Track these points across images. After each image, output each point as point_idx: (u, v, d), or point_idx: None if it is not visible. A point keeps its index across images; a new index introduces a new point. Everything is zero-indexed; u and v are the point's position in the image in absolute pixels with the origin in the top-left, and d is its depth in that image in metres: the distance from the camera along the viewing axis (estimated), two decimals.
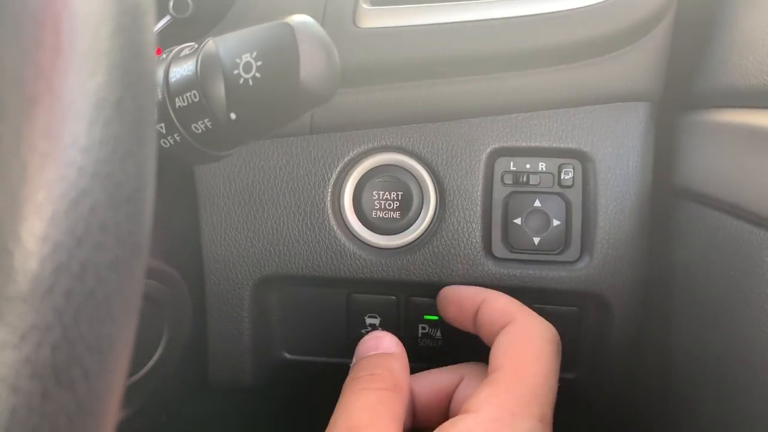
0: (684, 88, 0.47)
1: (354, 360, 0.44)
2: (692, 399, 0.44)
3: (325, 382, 0.55)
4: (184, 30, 0.47)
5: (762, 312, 0.37)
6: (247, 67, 0.28)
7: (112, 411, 0.16)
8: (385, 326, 0.51)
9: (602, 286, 0.47)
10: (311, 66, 0.27)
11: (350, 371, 0.42)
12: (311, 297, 0.52)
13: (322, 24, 0.46)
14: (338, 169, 0.49)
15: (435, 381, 0.43)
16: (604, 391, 0.52)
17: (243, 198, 0.49)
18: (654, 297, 0.49)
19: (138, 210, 0.16)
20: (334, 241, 0.49)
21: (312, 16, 0.44)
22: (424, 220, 0.48)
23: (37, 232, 0.13)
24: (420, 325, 0.51)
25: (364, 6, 0.46)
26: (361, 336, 0.51)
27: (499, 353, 0.39)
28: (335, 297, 0.51)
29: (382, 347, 0.43)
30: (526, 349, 0.39)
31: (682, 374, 0.46)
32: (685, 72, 0.47)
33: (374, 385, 0.39)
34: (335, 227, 0.49)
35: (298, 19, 0.28)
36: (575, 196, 0.48)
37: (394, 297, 0.50)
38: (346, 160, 0.49)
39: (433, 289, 0.49)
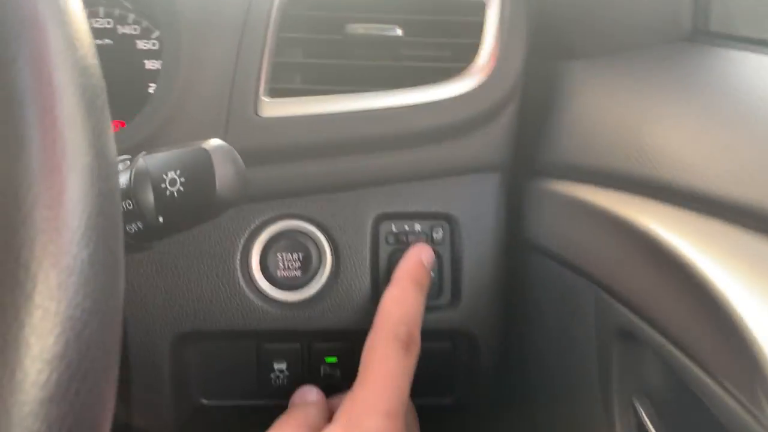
0: (528, 161, 0.59)
1: None
2: (541, 409, 0.55)
3: (239, 422, 0.61)
4: None
5: (581, 342, 0.48)
6: (173, 182, 0.35)
7: None
8: (291, 370, 0.58)
9: (470, 325, 0.57)
10: (224, 182, 0.35)
11: None
12: (225, 348, 0.59)
13: (228, 115, 0.54)
14: (246, 235, 0.56)
15: (331, 406, 0.51)
16: (478, 410, 0.62)
17: (161, 265, 0.56)
18: (513, 331, 0.59)
19: (106, 356, 0.23)
20: (244, 300, 0.56)
21: (218, 108, 0.53)
22: (322, 276, 0.57)
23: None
24: (322, 367, 0.59)
25: (264, 98, 0.54)
26: (270, 379, 0.59)
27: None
28: (247, 347, 0.59)
29: (305, 399, 0.52)
30: (372, 355, 0.46)
31: (535, 392, 0.56)
32: (528, 148, 0.59)
33: (289, 422, 0.47)
34: (245, 287, 0.56)
35: (214, 143, 0.36)
36: (445, 252, 0.58)
37: (298, 344, 0.58)
38: (252, 227, 0.56)
39: (331, 335, 0.57)
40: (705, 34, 0.55)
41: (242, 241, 0.56)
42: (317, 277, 0.57)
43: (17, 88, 0.20)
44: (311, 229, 0.57)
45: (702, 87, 0.46)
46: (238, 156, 0.37)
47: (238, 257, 0.56)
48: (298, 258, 0.57)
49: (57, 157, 0.20)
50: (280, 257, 0.57)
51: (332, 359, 0.59)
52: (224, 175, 0.35)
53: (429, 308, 0.57)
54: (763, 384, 0.27)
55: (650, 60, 0.54)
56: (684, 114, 0.44)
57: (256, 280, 0.57)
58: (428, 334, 0.57)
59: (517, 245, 0.58)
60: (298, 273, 0.57)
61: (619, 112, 0.50)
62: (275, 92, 0.55)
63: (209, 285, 0.56)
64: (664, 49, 0.55)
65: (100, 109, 0.23)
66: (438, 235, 0.57)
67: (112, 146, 0.23)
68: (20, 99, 0.20)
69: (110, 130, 0.24)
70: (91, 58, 0.23)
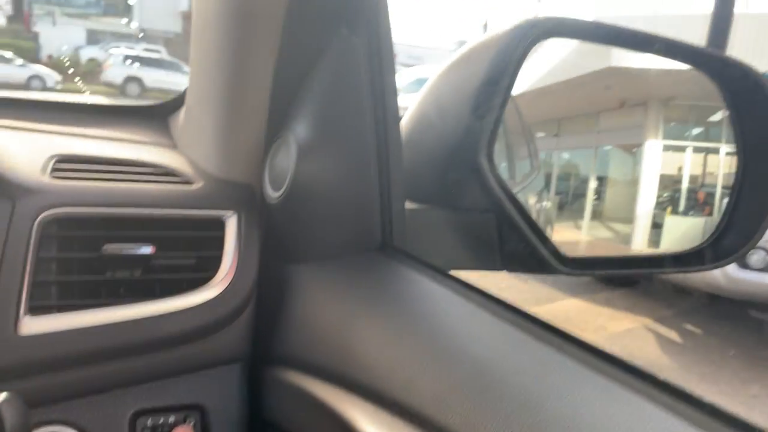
0: (265, 352, 0.71)
1: None
2: None
3: None
4: None
5: None
6: None
7: None
8: None
9: None
10: (13, 427, 0.41)
11: None
12: None
13: None
14: None
15: None
16: None
17: None
18: None
19: None
20: None
21: None
22: None
23: None
24: None
25: (24, 317, 0.59)
26: None
27: None
28: None
29: None
30: None
31: None
32: (265, 340, 0.71)
33: None
34: None
35: (2, 397, 0.42)
36: None
37: None
38: None
39: None
40: (390, 248, 0.75)
41: None
42: None
43: None
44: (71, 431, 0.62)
45: (387, 303, 0.63)
46: (24, 404, 0.43)
47: None
48: None
49: None
50: None
51: None
52: (12, 424, 0.41)
53: None
54: None
55: (352, 267, 0.71)
56: (374, 327, 0.60)
57: None
58: None
59: (258, 424, 0.69)
60: None
61: (330, 315, 0.65)
62: (35, 310, 0.61)
63: None
64: (362, 258, 0.73)
65: None
66: (190, 423, 0.66)
67: None
68: None
69: None
70: None
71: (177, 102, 0.97)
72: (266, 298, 0.73)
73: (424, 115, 0.85)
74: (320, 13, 0.70)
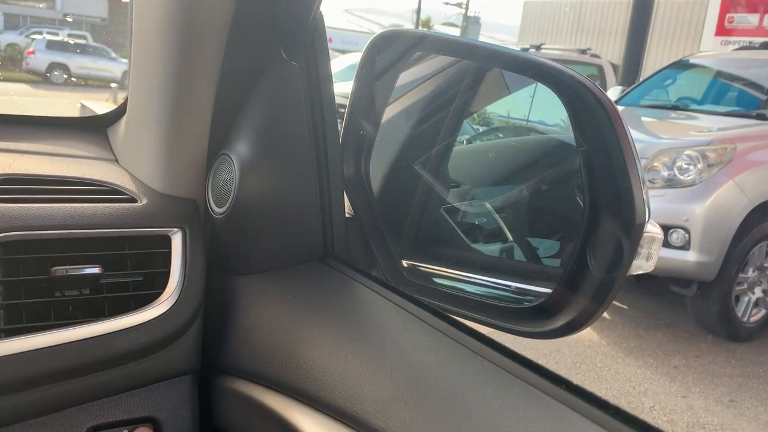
0: (214, 362, 0.74)
1: None
2: None
3: None
4: None
5: None
6: None
7: None
8: None
9: None
10: None
11: None
12: None
13: None
14: None
15: None
16: None
17: None
18: None
19: None
20: None
21: None
22: None
23: None
24: None
25: None
26: None
27: None
28: None
29: None
30: None
31: None
32: (213, 351, 0.74)
33: None
34: None
35: None
36: None
37: None
38: None
39: None
40: (331, 257, 0.79)
41: None
42: None
43: None
44: None
45: (331, 313, 0.68)
46: None
47: None
48: None
49: None
50: None
51: None
52: None
53: None
54: None
55: (296, 278, 0.75)
56: (320, 338, 0.64)
57: None
58: None
59: None
60: None
61: (276, 325, 0.69)
62: None
63: None
64: (305, 268, 0.77)
65: None
66: None
67: None
68: None
69: None
70: None
71: (115, 113, 0.98)
72: (213, 311, 0.75)
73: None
74: (260, 37, 0.72)
